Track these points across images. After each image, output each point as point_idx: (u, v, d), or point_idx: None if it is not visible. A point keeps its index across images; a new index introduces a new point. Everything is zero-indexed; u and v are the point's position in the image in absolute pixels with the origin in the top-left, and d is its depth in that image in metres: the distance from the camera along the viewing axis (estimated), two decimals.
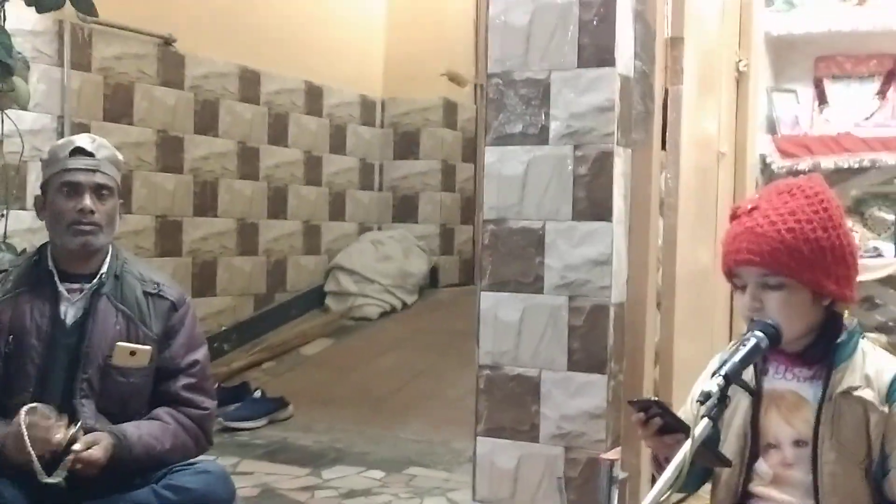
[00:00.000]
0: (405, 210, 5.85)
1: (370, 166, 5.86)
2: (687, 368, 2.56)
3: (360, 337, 5.05)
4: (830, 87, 3.48)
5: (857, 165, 3.24)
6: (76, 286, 2.11)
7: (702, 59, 2.87)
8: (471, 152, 5.94)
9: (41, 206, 2.16)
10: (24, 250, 3.06)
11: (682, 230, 2.75)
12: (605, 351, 2.49)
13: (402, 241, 5.60)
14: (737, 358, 1.44)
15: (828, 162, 3.25)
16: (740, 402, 1.57)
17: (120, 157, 2.19)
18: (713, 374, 1.44)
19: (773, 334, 1.49)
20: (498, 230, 2.62)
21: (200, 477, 2.08)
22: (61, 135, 3.69)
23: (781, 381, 1.57)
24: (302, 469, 3.26)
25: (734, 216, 1.57)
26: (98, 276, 2.11)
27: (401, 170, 5.88)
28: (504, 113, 2.61)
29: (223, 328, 4.77)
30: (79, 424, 1.95)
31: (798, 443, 1.54)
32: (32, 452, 1.88)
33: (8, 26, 3.02)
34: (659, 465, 1.61)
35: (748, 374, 1.52)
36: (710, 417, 1.39)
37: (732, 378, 1.42)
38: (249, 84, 4.96)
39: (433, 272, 5.72)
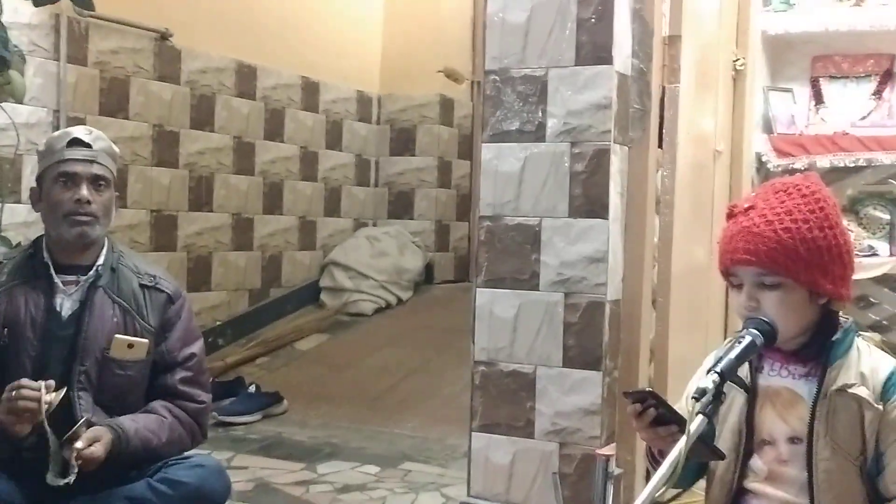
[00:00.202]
0: (401, 206, 5.85)
1: (366, 162, 5.86)
2: (682, 365, 2.57)
3: (355, 333, 5.05)
4: (827, 87, 3.49)
5: (852, 165, 3.26)
6: (72, 278, 2.11)
7: (699, 57, 2.88)
8: (467, 149, 5.94)
9: (37, 198, 2.15)
10: (18, 244, 3.05)
11: (678, 228, 2.76)
12: (601, 347, 2.49)
13: (397, 238, 5.60)
14: (732, 355, 1.45)
15: (824, 161, 3.26)
16: (735, 399, 1.58)
17: (116, 149, 2.19)
18: (708, 371, 1.44)
19: (769, 332, 1.49)
20: (494, 227, 2.62)
21: (195, 471, 2.09)
22: (57, 128, 3.67)
23: (777, 377, 1.58)
24: (297, 464, 3.25)
25: (730, 215, 1.58)
26: (94, 268, 2.11)
27: (397, 166, 5.87)
28: (501, 110, 2.62)
29: (218, 323, 4.76)
30: (82, 420, 1.95)
31: (793, 439, 1.54)
32: (52, 440, 1.88)
33: (4, 19, 3.01)
34: (653, 458, 1.61)
35: (743, 371, 1.53)
36: (705, 414, 1.39)
37: (727, 375, 1.42)
38: (246, 79, 4.95)
39: (428, 268, 5.72)
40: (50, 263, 2.11)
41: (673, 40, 2.72)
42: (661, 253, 2.72)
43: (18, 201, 3.59)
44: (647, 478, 1.39)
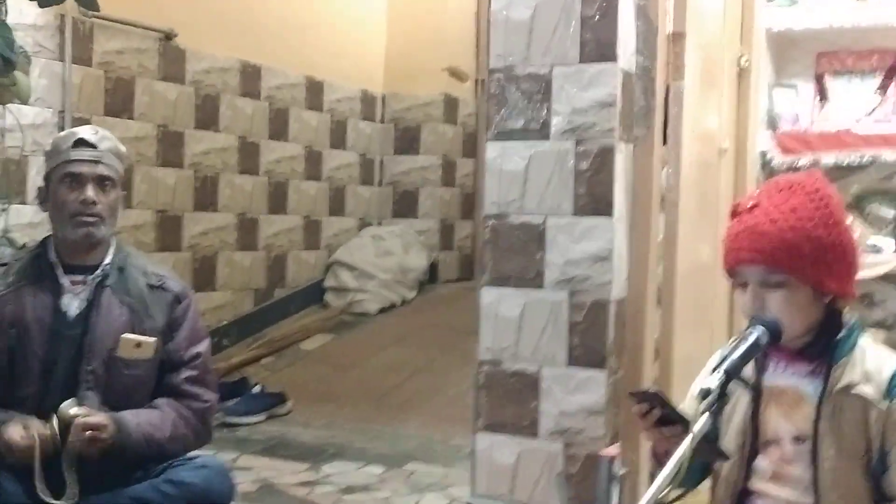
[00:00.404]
0: (405, 205, 5.85)
1: (370, 161, 5.86)
2: (687, 364, 2.57)
3: (360, 332, 5.05)
4: (831, 83, 3.48)
5: (857, 162, 3.25)
6: (79, 278, 2.11)
7: (703, 54, 2.87)
8: (471, 148, 5.93)
9: (44, 198, 2.16)
10: (24, 245, 3.06)
11: (683, 226, 2.75)
12: (606, 347, 2.49)
13: (402, 237, 5.60)
14: (737, 354, 1.44)
15: (828, 158, 3.25)
16: (740, 398, 1.58)
17: (123, 148, 2.20)
18: (713, 370, 1.44)
19: (774, 331, 1.49)
20: (499, 225, 2.62)
21: (200, 471, 2.09)
22: (62, 129, 3.68)
23: (781, 377, 1.57)
24: (301, 464, 3.26)
25: (735, 213, 1.57)
26: (101, 268, 2.11)
27: (401, 165, 5.87)
28: (506, 108, 2.61)
29: (223, 323, 4.76)
30: (70, 400, 1.96)
31: (798, 439, 1.54)
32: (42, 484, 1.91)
33: (9, 20, 3.01)
34: (658, 459, 1.61)
35: (748, 370, 1.52)
36: (710, 413, 1.39)
37: (732, 374, 1.42)
38: (250, 79, 4.95)
39: (433, 268, 5.72)
40: (57, 263, 2.11)
41: (677, 37, 2.71)
42: (666, 251, 2.72)
43: (24, 202, 3.60)
44: (652, 478, 1.38)
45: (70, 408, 1.95)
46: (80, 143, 2.10)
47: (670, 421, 1.47)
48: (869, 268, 3.01)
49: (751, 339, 1.47)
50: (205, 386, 2.18)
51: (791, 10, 3.35)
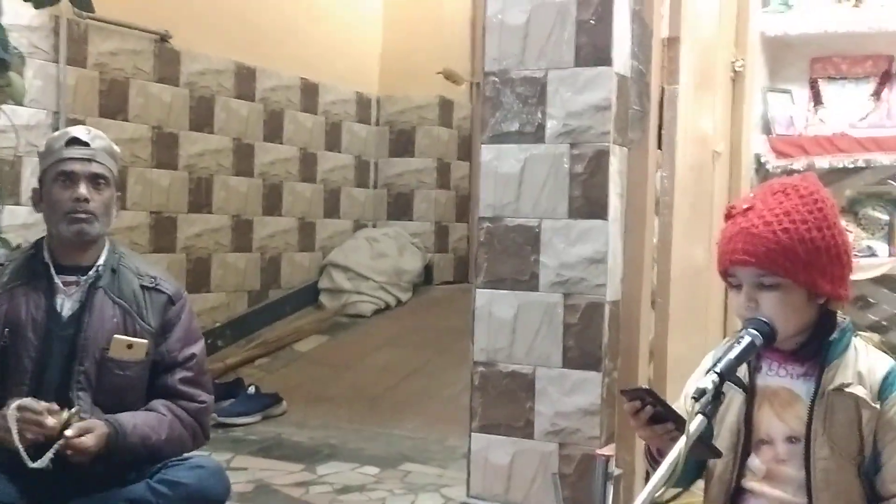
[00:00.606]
0: (400, 208, 5.85)
1: (365, 164, 5.86)
2: (681, 366, 2.58)
3: (355, 334, 5.05)
4: (826, 88, 3.50)
5: (851, 166, 3.27)
6: (72, 279, 2.11)
7: (698, 58, 2.88)
8: (466, 150, 5.94)
9: (38, 199, 2.16)
10: (18, 245, 3.05)
11: (678, 229, 2.76)
12: (600, 348, 2.50)
13: (396, 239, 5.60)
14: (732, 355, 1.45)
15: (822, 162, 3.27)
16: (733, 399, 1.58)
17: (116, 148, 2.20)
18: (708, 371, 1.45)
19: (768, 332, 1.50)
20: (494, 228, 2.63)
21: (195, 472, 2.09)
22: (56, 130, 3.67)
23: (774, 377, 1.58)
24: (296, 465, 3.25)
25: (729, 216, 1.58)
26: (95, 269, 2.11)
27: (396, 167, 5.87)
28: (501, 111, 2.62)
29: (217, 324, 4.76)
30: (74, 409, 1.95)
31: (791, 439, 1.55)
32: (17, 439, 1.88)
33: (4, 21, 3.02)
34: (651, 457, 1.62)
35: (742, 371, 1.53)
36: (704, 414, 1.39)
37: (727, 375, 1.43)
38: (245, 81, 4.95)
39: (427, 270, 5.72)
40: (50, 264, 2.11)
41: (672, 42, 2.72)
42: (660, 254, 2.73)
43: (18, 203, 3.59)
44: (647, 478, 1.39)
45: (72, 417, 1.94)
46: (73, 141, 2.10)
47: (662, 419, 1.48)
48: (863, 270, 3.03)
49: (745, 341, 1.48)
50: (200, 387, 2.18)
51: (785, 15, 3.37)
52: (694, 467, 1.61)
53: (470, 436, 2.66)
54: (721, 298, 3.18)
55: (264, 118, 5.09)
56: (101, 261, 2.13)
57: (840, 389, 1.51)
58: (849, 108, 3.43)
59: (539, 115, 2.57)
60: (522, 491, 2.57)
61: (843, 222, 1.59)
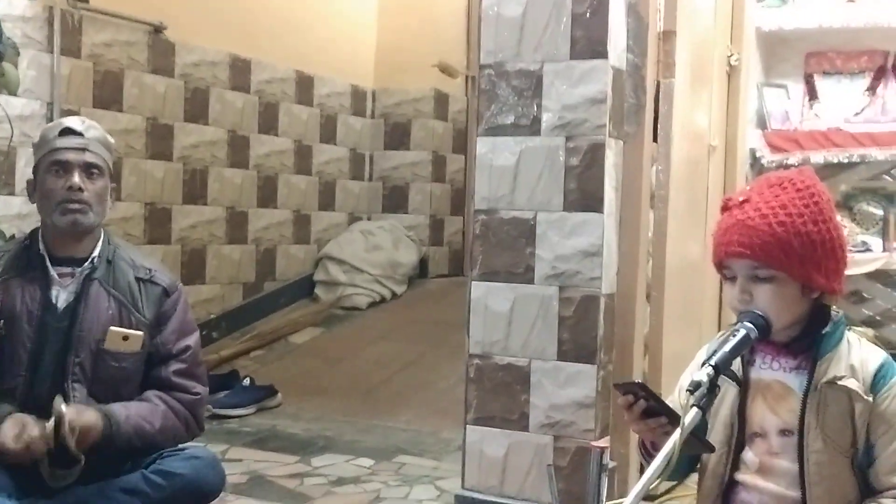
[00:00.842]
0: (395, 200, 5.85)
1: (361, 156, 5.86)
2: (676, 359, 2.58)
3: (350, 326, 5.05)
4: (821, 83, 3.50)
5: (846, 161, 3.28)
6: (67, 270, 2.11)
7: (694, 52, 2.88)
8: (461, 143, 5.94)
9: (32, 189, 2.15)
10: (12, 236, 3.05)
11: (673, 222, 2.76)
12: (595, 341, 2.50)
13: (391, 232, 5.60)
14: (726, 348, 1.46)
15: (817, 157, 3.27)
16: (727, 392, 1.59)
17: (110, 139, 2.19)
18: (703, 364, 1.45)
19: (763, 326, 1.50)
20: (489, 220, 2.63)
21: (190, 462, 2.09)
22: (50, 121, 3.66)
23: (768, 370, 1.59)
24: (291, 456, 3.26)
25: (725, 208, 1.58)
26: (90, 260, 2.11)
27: (391, 160, 5.87)
28: (496, 104, 2.62)
29: (212, 316, 4.76)
30: (58, 399, 1.96)
31: (784, 432, 1.55)
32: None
33: None
34: (645, 451, 1.62)
35: (735, 364, 1.53)
36: (699, 407, 1.40)
37: (721, 369, 1.43)
38: (240, 72, 4.94)
39: (423, 263, 5.72)
40: (46, 255, 2.11)
41: (668, 35, 2.72)
42: (655, 247, 2.73)
43: (12, 193, 3.58)
44: (641, 470, 1.40)
45: (59, 406, 1.94)
46: (67, 131, 2.10)
47: (655, 413, 1.49)
48: (857, 265, 3.04)
49: (740, 335, 1.48)
50: (194, 379, 2.18)
51: (780, 10, 3.37)
52: (688, 460, 1.62)
53: (465, 428, 2.66)
54: (716, 292, 3.18)
55: (259, 110, 5.08)
56: (96, 252, 2.13)
57: (833, 382, 1.52)
58: (844, 103, 3.44)
59: (534, 107, 2.57)
60: (517, 483, 2.58)
61: (837, 217, 1.60)
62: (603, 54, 2.49)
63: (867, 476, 1.52)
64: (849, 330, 1.59)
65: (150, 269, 2.18)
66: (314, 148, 5.49)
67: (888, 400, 1.50)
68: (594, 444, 2.27)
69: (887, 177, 3.31)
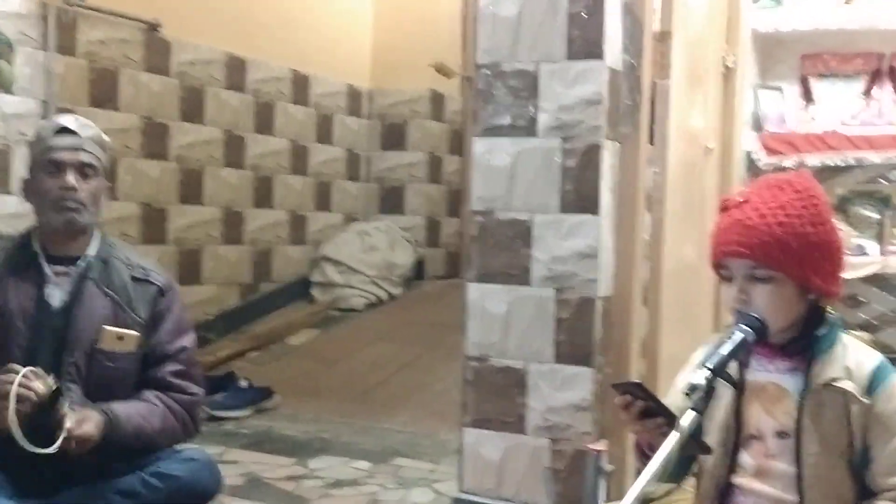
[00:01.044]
0: (391, 201, 5.85)
1: (357, 157, 5.85)
2: (672, 361, 2.58)
3: (346, 328, 5.05)
4: (816, 85, 3.51)
5: (842, 164, 3.28)
6: (62, 269, 2.10)
7: (689, 53, 2.88)
8: (458, 144, 5.93)
9: (27, 188, 2.14)
10: (7, 235, 3.04)
11: (669, 224, 2.77)
12: (592, 343, 2.50)
13: (388, 233, 5.60)
14: (723, 351, 1.46)
15: (813, 160, 3.28)
16: (723, 394, 1.59)
17: (106, 137, 2.18)
18: (699, 366, 1.45)
19: (759, 328, 1.50)
20: (486, 222, 2.63)
21: (187, 464, 2.08)
22: (45, 119, 3.65)
23: (763, 372, 1.59)
24: (288, 459, 3.25)
25: (724, 209, 1.58)
26: (85, 260, 2.10)
27: (387, 161, 5.87)
28: (492, 104, 2.62)
29: (208, 317, 4.75)
30: (67, 403, 1.94)
31: (780, 434, 1.55)
32: (15, 421, 1.85)
33: None
34: (641, 452, 1.62)
35: (731, 366, 1.53)
36: (696, 410, 1.40)
37: (718, 372, 1.43)
38: (236, 71, 4.93)
39: (419, 264, 5.72)
40: (40, 254, 2.10)
41: (664, 36, 2.72)
42: (651, 249, 2.73)
43: (8, 192, 3.57)
44: (638, 473, 1.39)
45: (67, 409, 1.93)
46: (62, 130, 2.09)
47: (653, 413, 1.48)
48: (854, 269, 3.04)
49: (737, 338, 1.48)
50: (190, 379, 2.17)
51: (776, 12, 3.38)
52: (684, 463, 1.62)
53: (462, 430, 2.66)
54: (712, 294, 3.18)
55: (255, 110, 5.08)
56: (91, 251, 2.12)
57: (829, 384, 1.52)
58: (840, 105, 3.45)
59: (531, 108, 2.57)
60: (514, 486, 2.57)
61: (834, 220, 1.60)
62: (599, 55, 2.49)
63: (864, 478, 1.52)
64: (844, 332, 1.59)
65: (145, 269, 2.17)
66: (310, 148, 5.48)
67: (884, 402, 1.50)
68: (591, 446, 2.27)
69: (883, 180, 3.31)
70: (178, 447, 2.13)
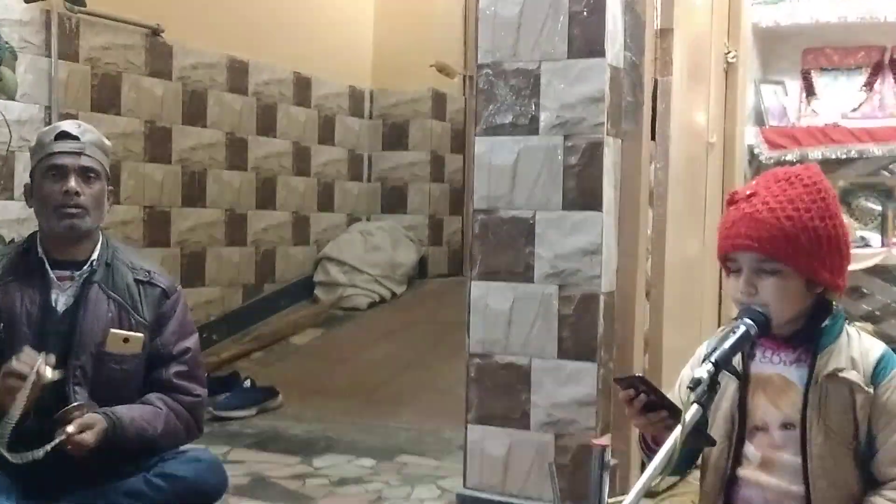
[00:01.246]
0: (394, 201, 5.85)
1: (359, 157, 5.86)
2: (675, 356, 2.59)
3: (350, 327, 5.05)
4: (818, 79, 3.51)
5: (844, 156, 3.28)
6: (66, 273, 2.11)
7: (691, 50, 2.89)
8: (459, 143, 5.94)
9: (30, 194, 2.15)
10: (11, 240, 3.05)
11: (672, 220, 2.77)
12: (595, 339, 2.50)
13: (390, 232, 5.60)
14: (727, 345, 1.46)
15: (815, 153, 3.28)
16: (728, 386, 1.59)
17: (107, 142, 2.19)
18: (703, 360, 1.45)
19: (763, 322, 1.51)
20: (488, 220, 2.63)
21: (192, 465, 2.10)
22: (48, 125, 3.66)
23: (768, 364, 1.59)
24: (293, 457, 3.26)
25: (731, 202, 1.59)
26: (89, 263, 2.11)
27: (390, 161, 5.87)
28: (494, 103, 2.62)
29: (212, 318, 4.76)
30: (76, 403, 1.95)
31: (786, 425, 1.55)
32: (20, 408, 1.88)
33: None
34: (645, 445, 1.62)
35: (736, 359, 1.53)
36: (700, 403, 1.40)
37: (722, 365, 1.44)
38: (238, 74, 4.94)
39: (422, 263, 5.72)
40: (45, 259, 2.11)
41: (665, 33, 2.73)
42: (654, 245, 2.74)
43: (11, 198, 3.59)
44: (642, 467, 1.40)
45: (72, 412, 1.94)
46: (63, 135, 2.10)
47: (656, 407, 1.49)
48: (856, 261, 3.04)
49: (740, 331, 1.49)
50: (194, 380, 2.18)
51: (777, 6, 3.38)
52: (689, 455, 1.62)
53: (466, 427, 2.66)
54: (715, 289, 3.19)
55: (257, 112, 5.09)
56: (95, 255, 2.13)
57: (834, 375, 1.52)
58: (841, 98, 3.45)
59: (532, 107, 2.57)
60: (519, 482, 2.58)
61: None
62: (600, 53, 2.49)
63: (869, 468, 1.52)
64: (849, 324, 1.59)
65: (149, 272, 2.18)
66: (312, 149, 5.49)
67: (889, 391, 1.51)
68: (595, 441, 2.27)
69: (885, 172, 3.31)
70: (184, 448, 2.14)
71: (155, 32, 4.43)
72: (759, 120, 3.47)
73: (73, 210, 2.07)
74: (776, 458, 1.56)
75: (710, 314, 3.18)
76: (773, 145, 3.35)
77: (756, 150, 3.38)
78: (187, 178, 4.65)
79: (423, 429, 3.62)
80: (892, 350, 1.57)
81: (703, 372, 1.42)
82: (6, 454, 1.90)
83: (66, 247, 2.12)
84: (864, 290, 3.32)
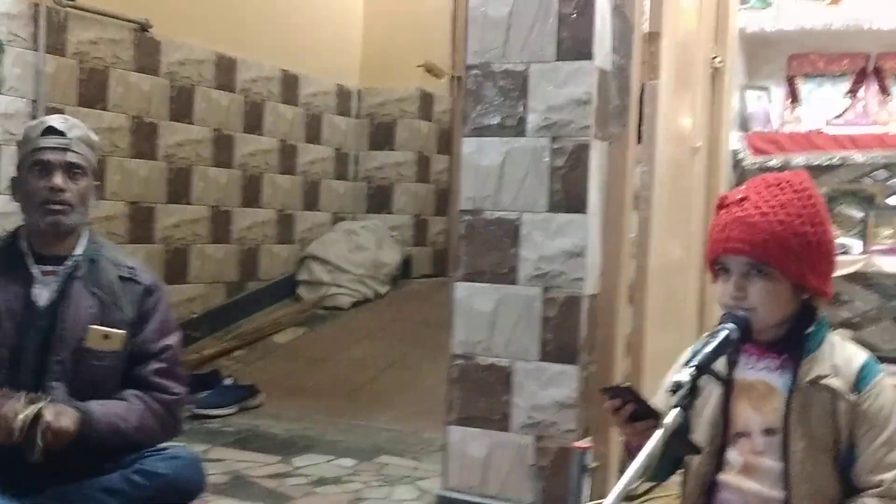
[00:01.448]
0: (379, 200, 5.84)
1: (345, 156, 5.85)
2: (658, 360, 2.60)
3: (333, 326, 5.04)
4: (802, 86, 3.54)
5: (827, 163, 3.30)
6: (50, 268, 2.09)
7: (678, 54, 2.90)
8: (446, 144, 5.94)
9: (16, 188, 2.14)
10: None
11: (656, 223, 2.78)
12: (578, 342, 2.51)
13: (375, 232, 5.59)
14: (708, 349, 1.47)
15: (799, 159, 3.30)
16: (712, 392, 1.60)
17: (94, 137, 2.17)
18: (685, 364, 1.46)
19: (745, 326, 1.52)
20: (474, 220, 2.63)
21: (171, 462, 2.08)
22: (35, 119, 3.63)
23: (752, 370, 1.60)
24: (272, 456, 3.25)
25: (722, 206, 1.59)
26: (72, 259, 2.10)
27: (376, 160, 5.86)
28: (482, 104, 2.62)
29: (194, 315, 4.73)
30: (47, 399, 1.94)
31: (768, 431, 1.56)
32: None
33: None
34: (631, 454, 1.63)
35: (720, 364, 1.54)
36: (681, 407, 1.41)
37: (703, 369, 1.44)
38: (225, 71, 4.92)
39: (406, 263, 5.72)
40: (28, 253, 2.09)
41: (653, 37, 2.74)
42: (638, 248, 2.74)
43: None
44: (623, 471, 1.40)
45: (45, 407, 1.93)
46: (49, 130, 2.08)
47: (643, 416, 1.49)
48: (837, 267, 3.06)
49: (721, 335, 1.49)
50: (174, 378, 2.17)
51: (764, 12, 3.40)
52: (671, 461, 1.62)
53: (447, 428, 2.66)
54: (698, 293, 3.20)
55: (244, 109, 5.07)
56: (79, 251, 2.11)
57: (816, 381, 1.53)
58: (825, 105, 3.47)
59: (520, 108, 2.58)
60: (498, 483, 2.58)
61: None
62: (588, 56, 2.50)
63: (849, 475, 1.53)
64: (832, 331, 1.60)
65: (132, 268, 2.17)
66: (299, 147, 5.48)
67: (871, 399, 1.51)
68: (576, 444, 2.28)
69: (867, 179, 3.34)
70: (163, 445, 2.12)
71: (143, 28, 4.40)
72: (744, 125, 3.49)
73: (58, 206, 2.05)
74: (758, 464, 1.57)
75: (692, 317, 3.19)
76: (757, 151, 3.37)
77: (740, 155, 3.40)
78: (173, 175, 4.63)
79: (403, 429, 3.62)
80: (875, 358, 1.58)
81: (685, 375, 1.42)
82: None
83: (50, 242, 2.10)
84: (844, 297, 3.34)
